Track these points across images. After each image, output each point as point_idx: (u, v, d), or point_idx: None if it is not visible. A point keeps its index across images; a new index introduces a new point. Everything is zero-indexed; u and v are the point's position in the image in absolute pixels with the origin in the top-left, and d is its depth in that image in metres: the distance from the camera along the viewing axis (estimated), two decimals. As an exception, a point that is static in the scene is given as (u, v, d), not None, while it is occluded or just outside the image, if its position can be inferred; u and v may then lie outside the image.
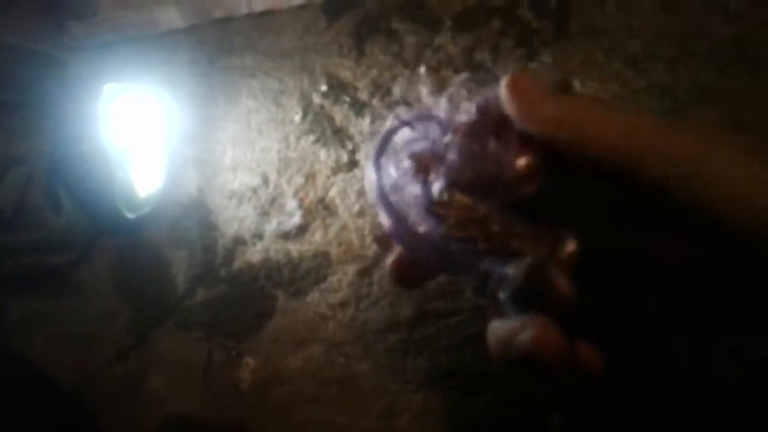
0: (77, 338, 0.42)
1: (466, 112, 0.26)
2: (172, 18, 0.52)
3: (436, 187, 0.25)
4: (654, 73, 0.46)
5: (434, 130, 0.26)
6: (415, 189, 0.26)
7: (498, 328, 0.24)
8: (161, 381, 0.40)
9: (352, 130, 0.46)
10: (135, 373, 0.41)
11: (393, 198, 0.27)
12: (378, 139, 0.28)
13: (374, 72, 0.49)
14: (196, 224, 0.44)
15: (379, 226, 0.40)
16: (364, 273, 0.41)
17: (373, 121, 0.47)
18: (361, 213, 0.43)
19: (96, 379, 0.41)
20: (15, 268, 0.43)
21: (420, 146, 0.27)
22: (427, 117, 0.27)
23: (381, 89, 0.48)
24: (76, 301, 0.43)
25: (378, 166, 0.27)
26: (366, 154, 0.38)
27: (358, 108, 0.47)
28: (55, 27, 0.51)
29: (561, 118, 0.24)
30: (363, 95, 0.48)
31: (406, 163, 0.26)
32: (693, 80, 0.45)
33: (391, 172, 0.27)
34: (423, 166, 0.26)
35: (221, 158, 0.46)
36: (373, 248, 0.41)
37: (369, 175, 0.27)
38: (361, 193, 0.44)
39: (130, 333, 0.42)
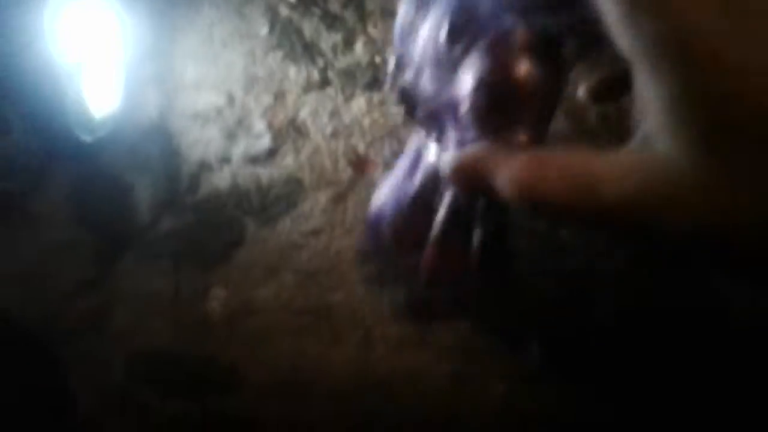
0: (35, 272, 0.41)
1: None
2: None
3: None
4: None
5: None
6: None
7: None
8: (127, 315, 0.40)
9: (324, 45, 0.44)
10: (99, 306, 0.40)
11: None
12: None
13: (347, -20, 0.46)
14: (157, 148, 0.42)
15: (354, 149, 0.39)
16: (338, 199, 0.40)
17: (345, 36, 0.44)
18: (334, 134, 0.42)
19: (58, 314, 0.40)
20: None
21: None
22: None
23: (356, 3, 0.46)
24: (32, 232, 0.41)
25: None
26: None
27: (330, 21, 0.45)
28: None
29: (518, 182, 0.22)
30: (334, 6, 0.45)
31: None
32: None
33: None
34: None
35: (182, 75, 0.44)
36: (347, 172, 0.40)
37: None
38: (334, 113, 0.42)
39: (91, 264, 0.41)
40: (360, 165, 0.41)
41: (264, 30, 0.44)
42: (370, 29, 0.44)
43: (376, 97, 0.43)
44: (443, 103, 0.26)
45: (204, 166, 0.41)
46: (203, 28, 0.45)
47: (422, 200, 0.29)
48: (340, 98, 0.43)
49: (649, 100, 0.19)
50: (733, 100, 0.18)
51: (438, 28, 0.25)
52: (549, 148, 0.22)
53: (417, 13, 0.27)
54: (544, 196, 0.22)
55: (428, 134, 0.30)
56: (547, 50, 0.21)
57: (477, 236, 0.25)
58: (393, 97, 0.32)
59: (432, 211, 0.28)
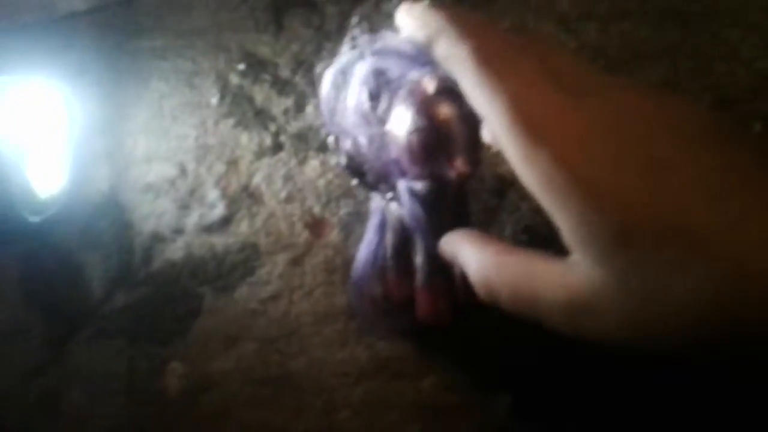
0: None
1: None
2: (72, 0, 0.50)
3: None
4: (585, 34, 0.47)
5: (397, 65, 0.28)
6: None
7: None
8: (81, 396, 0.39)
9: (275, 111, 0.45)
10: (52, 389, 0.39)
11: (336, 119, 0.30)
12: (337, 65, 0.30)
13: (295, 47, 0.48)
14: (109, 223, 0.42)
15: (310, 211, 0.39)
16: (296, 262, 0.40)
17: (296, 100, 0.46)
18: (289, 198, 0.42)
19: (9, 398, 0.39)
20: None
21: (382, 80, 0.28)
22: (391, 51, 0.28)
23: (304, 65, 0.47)
24: (-16, 318, 0.41)
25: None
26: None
27: (280, 86, 0.46)
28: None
29: (478, 286, 0.27)
30: (285, 72, 0.47)
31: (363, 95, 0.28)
32: (625, 39, 0.45)
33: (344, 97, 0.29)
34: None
35: (133, 150, 0.44)
36: (303, 235, 0.41)
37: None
38: (288, 177, 0.43)
39: (44, 346, 0.40)
40: (316, 227, 0.41)
41: (214, 99, 0.46)
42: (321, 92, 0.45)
43: (330, 158, 0.43)
44: (385, 161, 0.28)
45: (157, 239, 0.41)
46: (153, 102, 0.46)
47: (399, 254, 0.31)
48: (294, 162, 0.43)
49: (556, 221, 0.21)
50: (611, 221, 0.21)
51: (359, 95, 0.27)
52: (505, 251, 0.24)
53: (337, 91, 0.29)
54: (498, 302, 0.24)
55: (384, 194, 0.31)
56: (457, 88, 0.23)
57: (457, 271, 0.26)
58: (343, 172, 0.33)
59: (411, 261, 0.30)
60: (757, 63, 0.43)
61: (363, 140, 0.29)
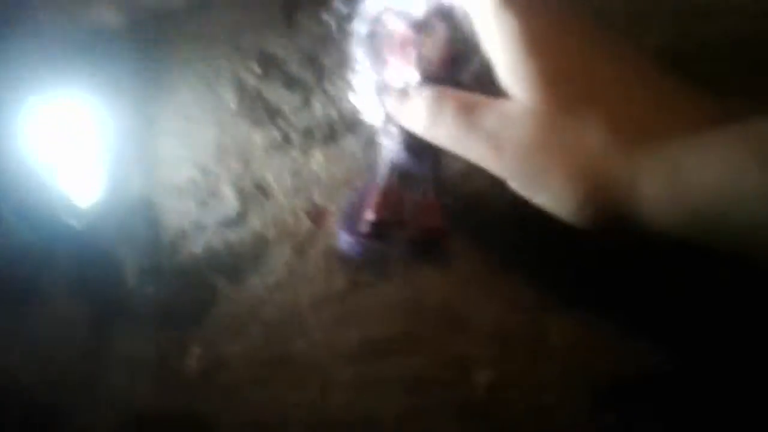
0: (42, 346, 0.48)
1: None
2: (108, 17, 0.57)
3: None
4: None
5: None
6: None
7: None
8: (118, 378, 0.46)
9: (285, 108, 0.51)
10: (95, 372, 0.47)
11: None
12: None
13: (305, 43, 0.52)
14: (140, 222, 0.49)
15: (313, 202, 0.44)
16: (299, 251, 0.45)
17: (304, 95, 0.50)
18: (295, 192, 0.47)
19: (59, 382, 0.47)
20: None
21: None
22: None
23: (314, 62, 0.52)
24: (39, 310, 0.49)
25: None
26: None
27: (290, 83, 0.51)
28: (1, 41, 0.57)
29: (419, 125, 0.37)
30: (294, 68, 0.52)
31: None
32: (630, 2, 0.46)
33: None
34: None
35: (162, 154, 0.51)
36: (306, 225, 0.46)
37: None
38: (295, 171, 0.48)
39: (89, 334, 0.48)
40: (318, 216, 0.46)
41: (232, 102, 0.51)
42: (327, 86, 0.50)
43: (333, 150, 0.48)
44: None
45: (181, 234, 0.48)
46: (180, 108, 0.53)
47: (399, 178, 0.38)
48: (300, 156, 0.48)
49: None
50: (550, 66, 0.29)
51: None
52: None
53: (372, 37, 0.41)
54: (443, 129, 0.34)
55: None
56: None
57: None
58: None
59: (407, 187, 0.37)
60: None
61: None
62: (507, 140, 0.30)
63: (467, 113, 0.32)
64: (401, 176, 0.40)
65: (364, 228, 0.40)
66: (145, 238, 0.51)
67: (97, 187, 0.51)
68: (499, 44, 0.31)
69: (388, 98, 0.39)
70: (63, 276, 0.51)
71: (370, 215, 0.40)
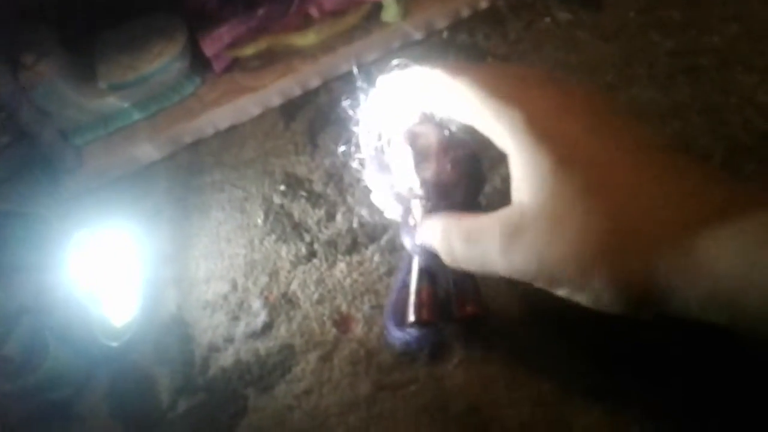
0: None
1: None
2: (149, 152, 0.63)
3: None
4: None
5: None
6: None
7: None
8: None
9: (309, 222, 0.53)
10: (130, 491, 0.48)
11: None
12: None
13: (327, 162, 0.56)
14: (176, 340, 0.51)
15: (338, 309, 0.46)
16: (326, 358, 0.46)
17: (328, 210, 0.53)
18: (320, 300, 0.49)
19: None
20: (24, 409, 0.52)
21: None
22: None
23: (334, 177, 0.55)
24: (79, 430, 0.50)
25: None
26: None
27: (314, 199, 0.55)
28: (50, 183, 0.62)
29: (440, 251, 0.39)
30: (318, 186, 0.55)
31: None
32: (633, 104, 0.49)
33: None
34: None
35: (196, 273, 0.54)
36: (332, 332, 0.47)
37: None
38: (319, 281, 0.50)
39: (124, 454, 0.49)
40: (343, 323, 0.48)
41: (260, 219, 0.55)
42: (349, 199, 0.53)
43: (356, 258, 0.50)
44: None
45: (213, 348, 0.50)
46: (212, 229, 0.56)
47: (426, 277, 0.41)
48: (324, 266, 0.51)
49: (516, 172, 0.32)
50: (552, 154, 0.31)
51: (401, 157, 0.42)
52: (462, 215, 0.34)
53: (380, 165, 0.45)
54: (456, 256, 0.35)
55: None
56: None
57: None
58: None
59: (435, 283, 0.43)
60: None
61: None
62: (517, 249, 0.31)
63: (474, 240, 0.34)
64: (430, 275, 0.43)
65: (409, 326, 0.44)
66: (179, 356, 0.52)
67: (134, 307, 0.54)
68: (504, 141, 0.32)
69: (404, 214, 0.43)
70: (101, 397, 0.53)
71: (411, 317, 0.43)
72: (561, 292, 0.31)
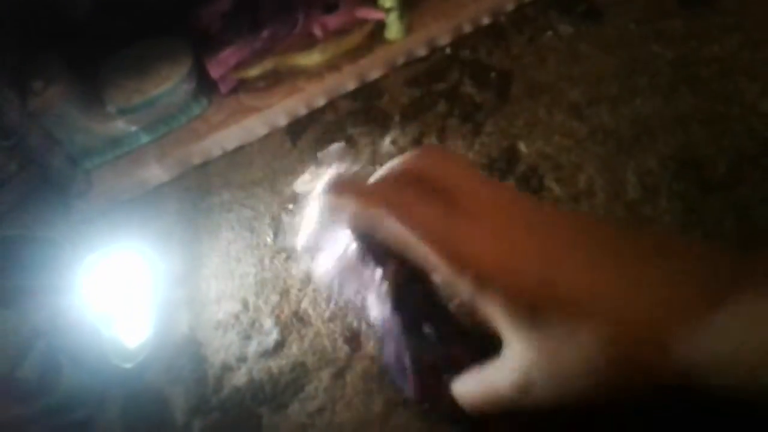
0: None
1: None
2: (158, 174, 0.63)
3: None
4: (596, 118, 0.51)
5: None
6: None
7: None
8: None
9: (318, 240, 0.54)
10: None
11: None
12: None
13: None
14: (188, 360, 0.52)
15: (350, 326, 0.46)
16: (338, 375, 0.47)
17: (336, 227, 0.54)
18: (332, 318, 0.50)
19: None
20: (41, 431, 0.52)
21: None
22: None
23: (341, 195, 0.56)
24: (93, 454, 0.51)
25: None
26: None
27: (323, 217, 0.55)
28: (61, 207, 0.63)
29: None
30: (325, 204, 0.55)
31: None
32: (637, 116, 0.49)
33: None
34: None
35: (207, 293, 0.55)
36: (344, 350, 0.48)
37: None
38: (329, 299, 0.50)
39: (140, 475, 0.50)
40: (355, 340, 0.49)
41: (269, 238, 0.55)
42: (356, 217, 0.53)
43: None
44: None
45: (226, 368, 0.50)
46: (222, 249, 0.57)
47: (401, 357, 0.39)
48: (335, 284, 0.51)
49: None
50: (524, 306, 0.30)
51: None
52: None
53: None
54: (475, 408, 0.35)
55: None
56: None
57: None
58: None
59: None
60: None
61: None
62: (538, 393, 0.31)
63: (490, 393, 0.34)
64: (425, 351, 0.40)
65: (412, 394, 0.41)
66: (193, 376, 0.53)
67: (147, 328, 0.54)
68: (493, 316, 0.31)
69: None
70: (116, 418, 0.54)
71: (411, 393, 0.40)
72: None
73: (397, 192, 0.34)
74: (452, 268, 0.31)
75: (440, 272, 0.32)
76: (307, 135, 0.63)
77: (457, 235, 0.31)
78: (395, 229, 0.32)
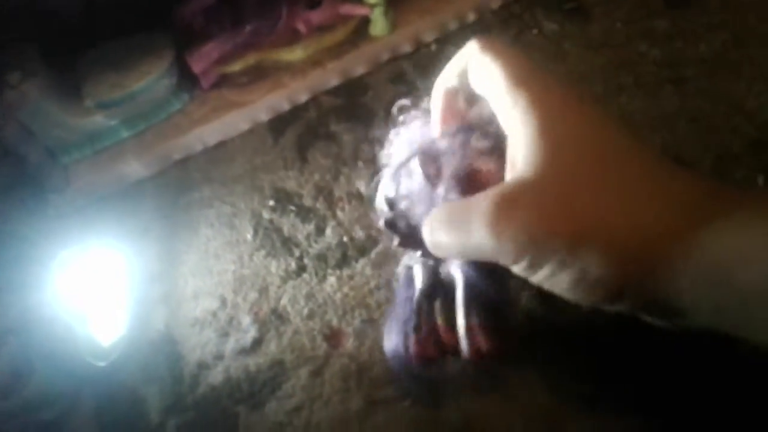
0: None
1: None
2: (137, 169, 0.63)
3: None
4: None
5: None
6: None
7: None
8: None
9: (299, 237, 0.53)
10: None
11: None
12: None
13: (317, 176, 0.56)
14: (164, 358, 0.51)
15: (329, 324, 0.46)
16: (316, 373, 0.46)
17: (317, 224, 0.53)
18: (311, 315, 0.49)
19: None
20: (11, 431, 0.51)
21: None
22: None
23: (323, 191, 0.55)
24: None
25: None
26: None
27: (304, 214, 0.55)
28: (37, 202, 0.62)
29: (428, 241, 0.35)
30: (307, 201, 0.55)
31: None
32: (621, 113, 0.49)
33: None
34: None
35: (184, 290, 0.54)
36: (323, 347, 0.47)
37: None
38: (309, 296, 0.50)
39: (113, 475, 0.49)
40: (334, 338, 0.48)
41: (249, 235, 0.55)
42: (339, 213, 0.53)
43: (346, 272, 0.50)
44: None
45: (202, 366, 0.50)
46: (200, 246, 0.56)
47: (426, 307, 0.39)
48: (315, 281, 0.51)
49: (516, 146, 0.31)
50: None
51: (417, 179, 0.36)
52: None
53: (397, 181, 0.38)
54: (442, 244, 0.34)
55: (413, 250, 0.39)
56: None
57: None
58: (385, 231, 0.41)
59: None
60: (764, 113, 0.45)
61: (421, 207, 0.37)
62: (508, 222, 0.29)
63: (460, 220, 0.32)
64: (436, 303, 0.40)
65: (413, 361, 0.39)
66: (168, 374, 0.52)
67: (121, 326, 0.53)
68: (513, 120, 0.32)
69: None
70: (90, 417, 0.53)
71: (414, 351, 0.39)
72: (542, 274, 0.29)
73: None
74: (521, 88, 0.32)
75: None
76: (289, 131, 0.63)
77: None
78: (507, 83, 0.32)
